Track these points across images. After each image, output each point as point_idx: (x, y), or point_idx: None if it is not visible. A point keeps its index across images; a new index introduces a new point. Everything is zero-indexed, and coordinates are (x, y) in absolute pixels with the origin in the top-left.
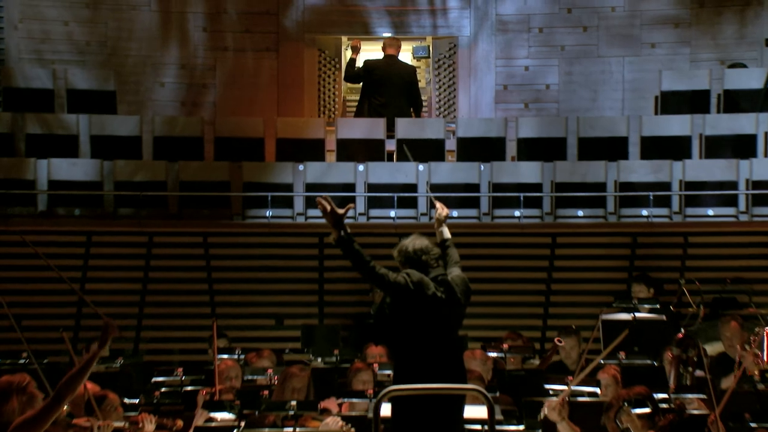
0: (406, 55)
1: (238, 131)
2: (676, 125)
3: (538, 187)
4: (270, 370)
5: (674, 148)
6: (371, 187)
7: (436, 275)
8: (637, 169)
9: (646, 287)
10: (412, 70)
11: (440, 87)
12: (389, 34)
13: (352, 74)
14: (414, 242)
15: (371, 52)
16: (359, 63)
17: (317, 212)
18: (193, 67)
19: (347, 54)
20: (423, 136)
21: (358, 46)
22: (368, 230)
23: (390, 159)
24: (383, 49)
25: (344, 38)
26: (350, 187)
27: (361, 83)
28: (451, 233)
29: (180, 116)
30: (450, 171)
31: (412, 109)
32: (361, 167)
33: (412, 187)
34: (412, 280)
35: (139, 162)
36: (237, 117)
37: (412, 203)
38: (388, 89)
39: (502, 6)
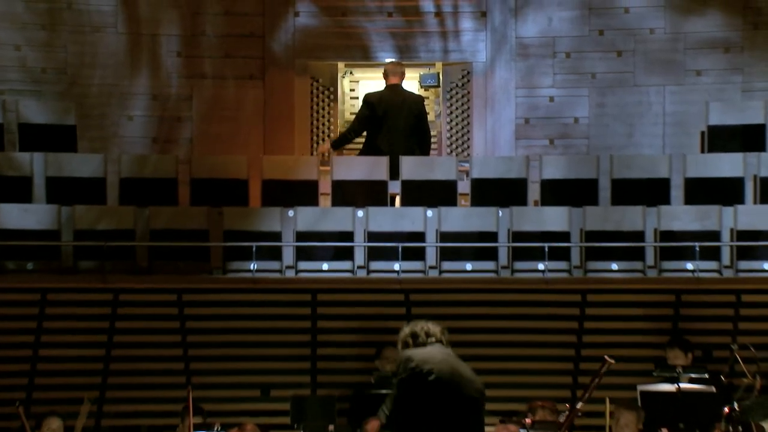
0: (412, 84)
1: (218, 172)
2: (726, 165)
3: (565, 236)
4: None
5: (724, 191)
6: (372, 236)
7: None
8: (681, 216)
9: (682, 353)
10: (420, 100)
11: (452, 121)
12: (392, 60)
13: (350, 132)
14: (404, 330)
15: (372, 80)
16: (358, 92)
17: (310, 265)
18: (166, 97)
19: (344, 83)
20: (432, 177)
21: (326, 152)
22: (369, 286)
23: (394, 203)
24: (384, 77)
25: (341, 65)
26: (348, 235)
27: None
28: (465, 289)
29: (151, 154)
30: (463, 217)
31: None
32: (360, 213)
33: (419, 236)
34: (400, 364)
35: (103, 208)
36: (217, 155)
37: (419, 254)
38: (395, 126)
39: (523, 27)
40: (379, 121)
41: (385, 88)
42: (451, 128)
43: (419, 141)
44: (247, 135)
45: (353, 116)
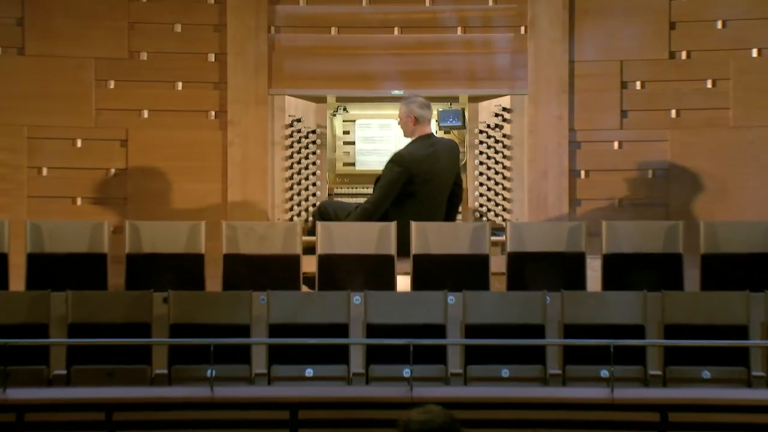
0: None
1: (163, 243)
2: None
3: (638, 331)
4: None
5: None
6: (373, 330)
7: None
8: None
9: None
10: (458, 150)
11: (482, 174)
12: (416, 97)
13: (381, 205)
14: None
15: (373, 119)
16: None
17: (288, 370)
18: (92, 142)
19: (336, 123)
20: (455, 251)
21: None
22: (369, 398)
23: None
24: (415, 123)
25: (331, 98)
26: (340, 329)
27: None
28: (500, 403)
29: (70, 220)
30: (497, 305)
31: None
32: (357, 299)
33: (438, 331)
34: None
35: (5, 293)
36: (161, 221)
37: (437, 356)
38: (432, 193)
39: (580, 48)
40: (411, 190)
41: (418, 140)
42: (481, 184)
43: (451, 203)
44: (204, 193)
45: (348, 167)
